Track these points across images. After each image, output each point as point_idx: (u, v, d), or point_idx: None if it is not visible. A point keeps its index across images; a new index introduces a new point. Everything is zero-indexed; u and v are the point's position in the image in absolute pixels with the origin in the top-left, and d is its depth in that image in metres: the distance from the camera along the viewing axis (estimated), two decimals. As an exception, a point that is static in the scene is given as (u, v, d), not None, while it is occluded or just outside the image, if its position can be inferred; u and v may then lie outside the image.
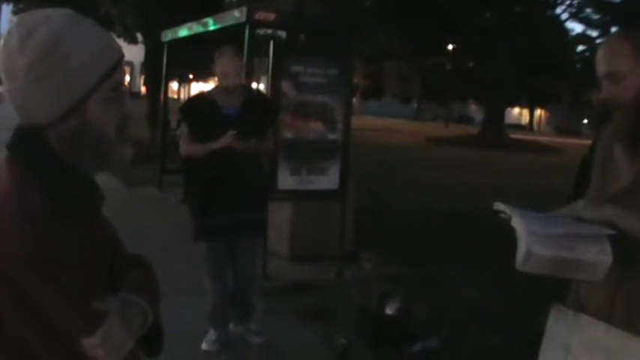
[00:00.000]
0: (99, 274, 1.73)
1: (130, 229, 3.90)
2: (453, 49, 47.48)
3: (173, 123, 16.69)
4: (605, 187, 2.49)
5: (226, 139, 5.40)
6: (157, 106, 18.09)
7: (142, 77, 51.05)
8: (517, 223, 2.25)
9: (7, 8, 30.86)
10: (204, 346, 5.81)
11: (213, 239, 5.74)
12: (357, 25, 13.08)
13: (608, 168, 2.52)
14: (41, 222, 1.56)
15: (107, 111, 1.67)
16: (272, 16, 8.78)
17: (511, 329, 6.31)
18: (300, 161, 7.88)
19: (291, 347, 5.97)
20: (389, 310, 6.08)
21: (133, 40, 25.02)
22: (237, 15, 9.07)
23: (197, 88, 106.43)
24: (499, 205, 2.37)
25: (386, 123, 62.33)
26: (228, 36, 9.93)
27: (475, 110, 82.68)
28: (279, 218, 8.45)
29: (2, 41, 1.63)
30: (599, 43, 2.56)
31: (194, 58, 24.46)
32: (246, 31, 8.56)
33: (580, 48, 51.25)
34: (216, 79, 5.72)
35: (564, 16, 46.53)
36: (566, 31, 49.46)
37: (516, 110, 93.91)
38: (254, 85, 12.19)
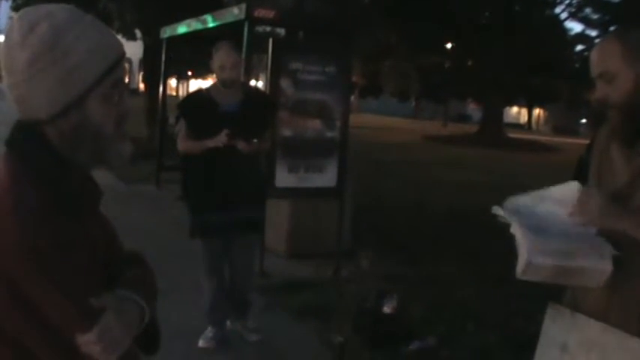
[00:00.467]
0: (96, 270, 1.72)
1: (128, 226, 3.90)
2: (452, 47, 47.49)
3: (171, 120, 16.71)
4: (601, 187, 2.49)
5: (221, 139, 5.38)
6: (156, 103, 18.07)
7: (141, 74, 50.97)
8: (516, 230, 2.26)
9: (6, 4, 30.84)
10: (201, 343, 5.80)
11: (210, 237, 5.73)
12: (355, 23, 13.07)
13: (604, 168, 2.53)
14: (38, 217, 1.56)
15: (107, 108, 1.67)
16: (271, 14, 8.78)
17: (508, 328, 6.32)
18: (298, 159, 7.88)
19: (288, 345, 5.98)
20: (386, 309, 6.08)
21: (131, 37, 24.97)
22: (236, 12, 9.06)
23: (196, 85, 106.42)
24: (498, 210, 2.39)
25: (384, 121, 62.30)
26: (227, 33, 9.92)
27: (473, 109, 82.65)
28: (277, 216, 8.45)
29: (4, 36, 1.64)
30: (595, 44, 2.57)
31: (193, 55, 24.43)
32: (245, 29, 8.56)
33: (579, 47, 51.33)
34: (214, 75, 5.71)
35: (563, 15, 46.61)
36: (565, 30, 49.52)
37: (515, 109, 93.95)
38: (252, 82, 12.19)
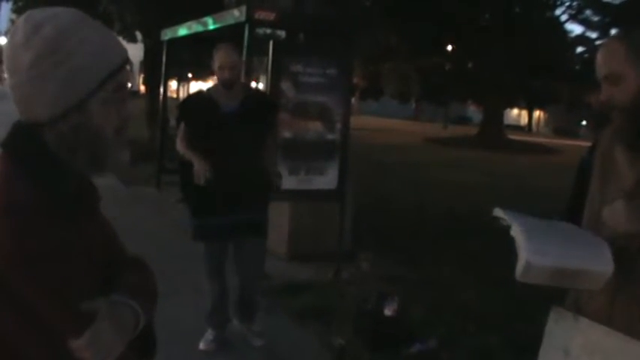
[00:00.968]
0: (93, 274, 1.71)
1: (128, 228, 3.90)
2: (452, 49, 47.50)
3: (172, 122, 16.71)
4: (604, 190, 2.49)
5: (200, 174, 5.40)
6: (156, 105, 18.08)
7: (141, 76, 51.03)
8: (517, 232, 2.25)
9: (6, 6, 30.86)
10: (201, 345, 5.80)
11: (212, 239, 5.71)
12: (356, 25, 13.05)
13: (608, 170, 2.51)
14: (30, 218, 1.55)
15: (108, 112, 1.66)
16: (272, 16, 8.77)
17: (509, 330, 6.32)
18: (298, 161, 7.88)
19: (289, 347, 5.97)
20: (386, 311, 6.07)
21: (132, 39, 24.99)
22: (236, 14, 9.05)
23: (196, 87, 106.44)
24: (498, 212, 2.36)
25: (384, 123, 62.28)
26: (228, 35, 9.92)
27: (474, 111, 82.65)
28: (278, 218, 8.44)
29: (8, 37, 1.64)
30: (599, 45, 2.56)
31: (193, 57, 24.43)
32: (246, 31, 8.55)
33: (579, 49, 51.34)
34: (215, 77, 5.70)
35: (564, 17, 46.62)
36: (565, 32, 49.51)
37: (515, 111, 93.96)
38: (253, 84, 12.18)
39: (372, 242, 9.35)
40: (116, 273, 1.80)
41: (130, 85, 1.80)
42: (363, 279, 7.92)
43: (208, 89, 5.91)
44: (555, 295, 2.57)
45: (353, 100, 49.77)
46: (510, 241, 2.27)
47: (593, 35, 47.91)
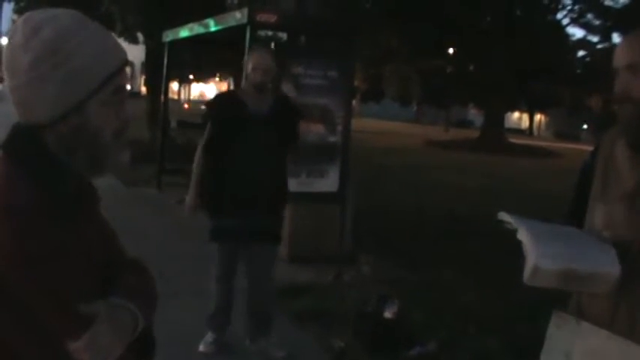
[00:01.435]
0: (92, 275, 1.70)
1: (128, 229, 3.89)
2: (454, 52, 47.55)
3: (173, 124, 16.74)
4: (606, 192, 2.48)
5: (189, 208, 5.43)
6: (157, 107, 18.09)
7: (143, 77, 51.09)
8: (523, 236, 2.23)
9: (8, 7, 30.91)
10: (201, 348, 5.77)
11: (228, 241, 5.64)
12: (357, 28, 13.07)
13: (609, 172, 2.50)
14: (31, 219, 1.54)
15: (107, 113, 1.66)
16: (273, 18, 8.78)
17: (509, 333, 6.31)
18: (299, 164, 7.87)
19: (289, 350, 5.94)
20: (387, 314, 6.07)
21: (133, 40, 25.02)
22: (238, 16, 9.07)
23: (197, 88, 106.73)
24: (504, 216, 2.35)
25: (385, 126, 62.37)
26: (229, 37, 9.93)
27: (475, 114, 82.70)
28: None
29: (8, 38, 1.63)
30: (622, 37, 2.52)
31: (195, 59, 24.48)
32: (247, 33, 8.56)
33: (581, 53, 51.42)
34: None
35: (565, 21, 46.64)
36: (566, 36, 49.55)
37: (516, 114, 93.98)
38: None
39: (372, 245, 9.35)
40: (115, 275, 1.79)
41: (129, 86, 1.80)
42: (364, 281, 7.92)
43: (238, 90, 5.87)
44: (557, 298, 2.57)
45: (354, 102, 49.81)
46: (512, 244, 2.26)
47: (595, 39, 48.01)
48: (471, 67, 48.35)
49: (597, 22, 45.39)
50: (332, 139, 8.16)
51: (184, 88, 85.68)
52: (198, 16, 11.92)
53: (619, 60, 2.39)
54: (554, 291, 2.39)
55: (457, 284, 8.03)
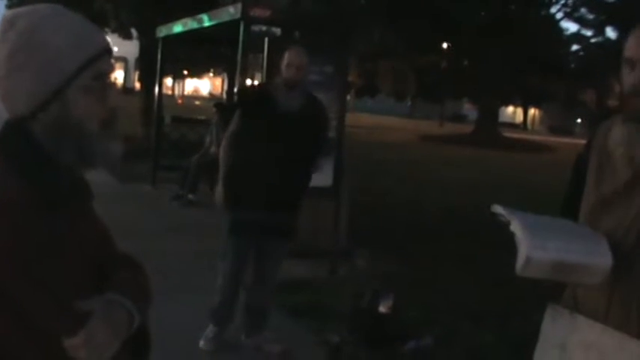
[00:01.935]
0: (86, 272, 1.70)
1: (123, 225, 3.90)
2: (448, 47, 47.56)
3: (167, 119, 16.72)
4: (600, 185, 2.48)
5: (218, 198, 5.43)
6: (152, 102, 18.06)
7: (137, 73, 51.11)
8: (516, 227, 2.24)
9: (1, 3, 30.86)
10: (201, 344, 5.73)
11: (246, 236, 5.58)
12: (352, 23, 13.05)
13: (603, 166, 2.50)
14: (23, 216, 1.54)
15: (89, 102, 1.65)
16: (267, 13, 8.76)
17: (505, 327, 6.32)
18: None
19: (284, 344, 5.94)
20: (382, 308, 6.07)
21: (127, 36, 24.98)
22: (232, 11, 9.05)
23: (192, 84, 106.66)
24: (497, 208, 2.34)
25: (380, 121, 62.37)
26: (223, 32, 9.91)
27: (469, 108, 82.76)
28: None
29: None
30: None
31: (189, 55, 24.46)
32: (241, 28, 8.55)
33: (574, 47, 51.41)
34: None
35: (559, 15, 46.65)
36: (560, 30, 49.56)
37: (510, 109, 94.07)
38: (248, 81, 12.18)
39: (368, 240, 9.36)
40: (110, 271, 1.79)
41: (122, 81, 1.79)
42: (359, 276, 7.93)
43: (269, 85, 5.85)
44: (552, 292, 2.58)
45: (348, 97, 49.84)
46: (507, 238, 2.26)
47: (588, 33, 48.00)
48: (466, 62, 48.37)
49: (591, 16, 45.40)
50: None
51: (178, 84, 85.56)
52: (192, 12, 11.90)
53: (633, 51, 2.37)
54: (549, 285, 2.40)
55: (453, 279, 8.05)
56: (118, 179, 13.47)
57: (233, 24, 8.82)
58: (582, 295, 2.45)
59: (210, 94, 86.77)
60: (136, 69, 59.83)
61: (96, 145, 1.69)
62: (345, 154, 8.49)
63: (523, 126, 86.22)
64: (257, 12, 8.68)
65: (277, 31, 9.78)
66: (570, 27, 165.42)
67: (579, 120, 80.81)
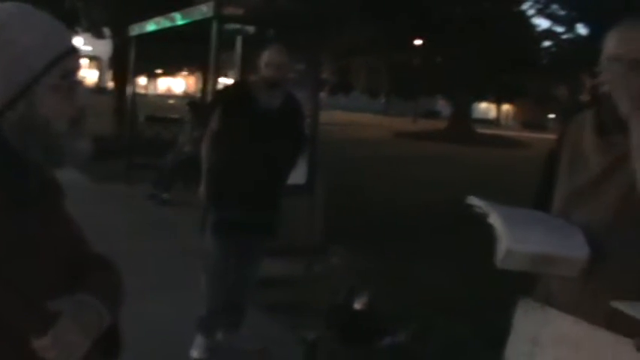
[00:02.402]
0: (59, 272, 1.70)
1: (96, 225, 3.88)
2: (421, 44, 47.66)
3: (141, 118, 16.66)
4: (572, 178, 2.51)
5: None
6: (125, 101, 17.99)
7: (111, 72, 50.79)
8: (495, 219, 2.26)
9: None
10: (194, 354, 5.55)
11: (230, 235, 5.51)
12: (325, 21, 13.03)
13: (576, 159, 2.53)
14: None
15: (57, 101, 1.65)
16: (240, 11, 8.75)
17: (479, 321, 6.36)
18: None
19: (261, 341, 5.95)
20: (357, 305, 6.09)
21: (99, 35, 24.82)
22: (204, 10, 9.02)
23: (165, 83, 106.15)
24: (473, 200, 2.38)
25: (354, 118, 62.43)
26: (197, 31, 9.88)
27: (443, 104, 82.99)
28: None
29: None
30: (623, 24, 2.49)
31: (162, 53, 24.31)
32: (214, 26, 8.53)
33: (546, 44, 51.66)
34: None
35: (531, 12, 46.89)
36: (532, 26, 49.80)
37: (484, 105, 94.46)
38: (222, 80, 12.16)
39: (343, 236, 9.37)
40: (81, 271, 1.78)
41: (84, 74, 1.79)
42: (334, 273, 7.94)
43: (249, 83, 5.81)
44: (525, 286, 2.60)
45: (322, 94, 49.77)
46: (482, 232, 2.30)
47: (560, 29, 48.25)
48: (439, 59, 48.50)
49: (562, 13, 45.67)
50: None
51: (152, 83, 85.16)
52: (165, 10, 11.84)
53: (613, 50, 2.39)
54: (524, 280, 2.42)
55: (428, 274, 8.08)
56: (91, 178, 13.41)
57: (206, 22, 8.80)
58: (556, 288, 2.48)
59: (185, 92, 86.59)
60: (109, 68, 59.59)
61: (64, 143, 1.68)
62: (319, 152, 8.49)
63: (497, 122, 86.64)
64: (230, 10, 8.66)
65: (250, 29, 9.78)
66: (542, 23, 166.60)
67: (552, 115, 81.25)
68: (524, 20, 46.62)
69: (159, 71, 63.48)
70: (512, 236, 2.20)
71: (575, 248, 2.27)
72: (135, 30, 13.98)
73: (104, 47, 27.75)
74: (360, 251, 8.92)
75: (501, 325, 2.69)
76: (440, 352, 5.86)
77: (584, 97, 2.53)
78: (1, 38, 1.58)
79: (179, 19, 10.61)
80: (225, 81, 13.29)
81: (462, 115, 44.52)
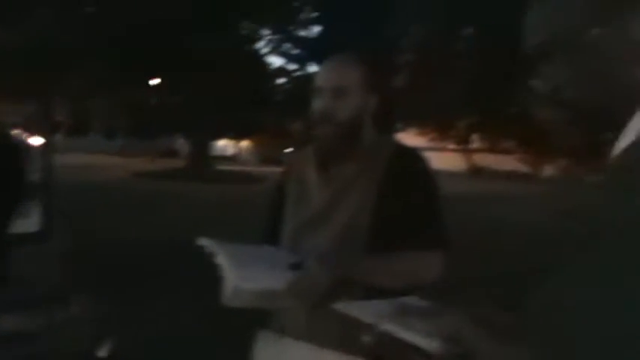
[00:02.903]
0: None
1: None
2: (158, 83, 47.48)
3: None
4: (298, 212, 2.63)
5: None
6: None
7: None
8: (222, 259, 2.31)
9: None
10: None
11: None
12: (56, 60, 12.71)
13: (301, 192, 2.66)
14: None
15: None
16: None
17: (220, 357, 6.44)
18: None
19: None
20: (101, 353, 5.96)
21: None
22: None
23: None
24: (203, 241, 2.41)
25: (92, 160, 60.87)
26: None
27: (182, 143, 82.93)
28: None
29: None
30: (329, 58, 2.64)
31: None
32: None
33: (280, 81, 53.26)
34: None
35: (265, 50, 48.25)
36: (266, 64, 51.21)
37: (222, 141, 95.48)
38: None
39: (85, 283, 9.12)
40: None
41: None
42: (77, 322, 7.71)
43: None
44: (260, 319, 2.68)
45: (57, 137, 48.22)
46: (216, 269, 2.33)
47: (293, 67, 50.07)
48: (176, 98, 48.52)
49: (294, 52, 47.50)
50: (30, 177, 7.89)
51: None
52: None
53: (322, 82, 2.54)
54: (259, 312, 2.50)
55: (171, 313, 8.07)
56: None
57: None
58: (288, 318, 2.59)
59: None
60: None
61: None
62: (53, 197, 8.24)
63: (235, 158, 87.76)
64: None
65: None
66: (276, 61, 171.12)
67: (288, 149, 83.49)
68: (259, 58, 47.87)
69: None
70: (238, 274, 2.25)
71: (300, 280, 2.33)
72: None
73: None
74: (103, 296, 8.72)
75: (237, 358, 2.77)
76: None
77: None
78: None
79: None
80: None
81: (201, 153, 44.80)
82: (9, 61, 8.89)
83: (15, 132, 5.92)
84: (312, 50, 42.18)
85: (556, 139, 1.51)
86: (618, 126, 1.37)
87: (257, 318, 2.58)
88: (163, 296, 8.92)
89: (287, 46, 47.67)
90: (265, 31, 46.69)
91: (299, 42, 45.65)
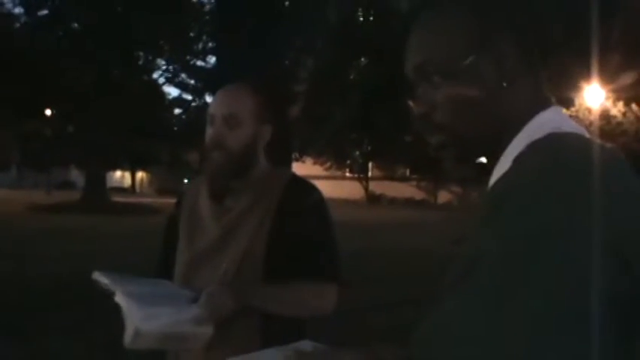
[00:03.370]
0: None
1: None
2: (51, 114, 46.61)
3: None
4: (192, 245, 2.66)
5: None
6: None
7: None
8: (121, 299, 2.24)
9: None
10: None
11: None
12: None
13: (194, 225, 2.69)
14: None
15: None
16: None
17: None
18: None
19: None
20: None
21: None
22: None
23: None
24: (99, 276, 2.36)
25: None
26: None
27: (77, 175, 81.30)
28: None
29: None
30: (223, 88, 2.73)
31: None
32: None
33: (177, 111, 52.94)
34: None
35: (161, 80, 47.92)
36: (163, 94, 50.80)
37: (118, 173, 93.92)
38: None
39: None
40: None
41: None
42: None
43: None
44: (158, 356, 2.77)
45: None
46: (114, 305, 2.28)
47: (189, 97, 49.93)
48: (70, 128, 47.68)
49: (191, 82, 47.38)
50: None
51: None
52: None
53: (216, 108, 2.60)
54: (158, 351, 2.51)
55: (65, 351, 8.02)
56: None
57: None
58: (183, 356, 2.63)
59: None
60: None
61: None
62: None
63: (132, 189, 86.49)
64: None
65: None
66: (172, 92, 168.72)
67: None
68: (155, 88, 47.48)
69: None
70: (140, 315, 2.19)
71: (202, 324, 2.33)
72: None
73: None
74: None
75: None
76: None
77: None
78: None
79: None
80: None
81: (97, 184, 44.07)
82: None
83: None
84: (207, 81, 42.13)
85: (444, 165, 1.47)
86: (496, 154, 1.39)
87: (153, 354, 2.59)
88: (55, 333, 8.82)
89: (183, 76, 47.52)
90: (161, 61, 46.43)
91: (195, 72, 45.52)
